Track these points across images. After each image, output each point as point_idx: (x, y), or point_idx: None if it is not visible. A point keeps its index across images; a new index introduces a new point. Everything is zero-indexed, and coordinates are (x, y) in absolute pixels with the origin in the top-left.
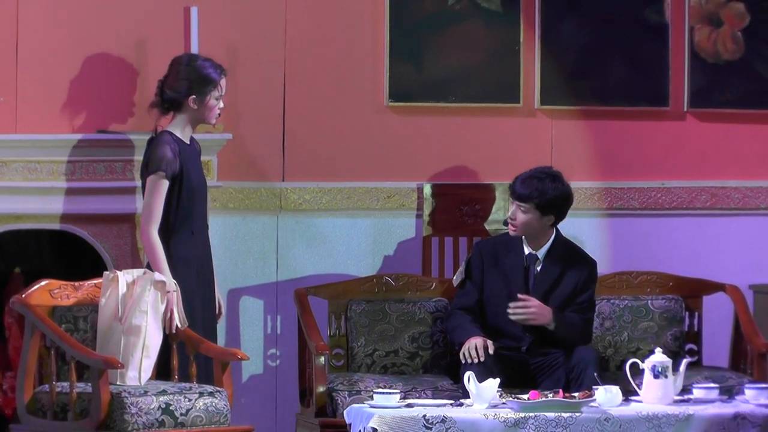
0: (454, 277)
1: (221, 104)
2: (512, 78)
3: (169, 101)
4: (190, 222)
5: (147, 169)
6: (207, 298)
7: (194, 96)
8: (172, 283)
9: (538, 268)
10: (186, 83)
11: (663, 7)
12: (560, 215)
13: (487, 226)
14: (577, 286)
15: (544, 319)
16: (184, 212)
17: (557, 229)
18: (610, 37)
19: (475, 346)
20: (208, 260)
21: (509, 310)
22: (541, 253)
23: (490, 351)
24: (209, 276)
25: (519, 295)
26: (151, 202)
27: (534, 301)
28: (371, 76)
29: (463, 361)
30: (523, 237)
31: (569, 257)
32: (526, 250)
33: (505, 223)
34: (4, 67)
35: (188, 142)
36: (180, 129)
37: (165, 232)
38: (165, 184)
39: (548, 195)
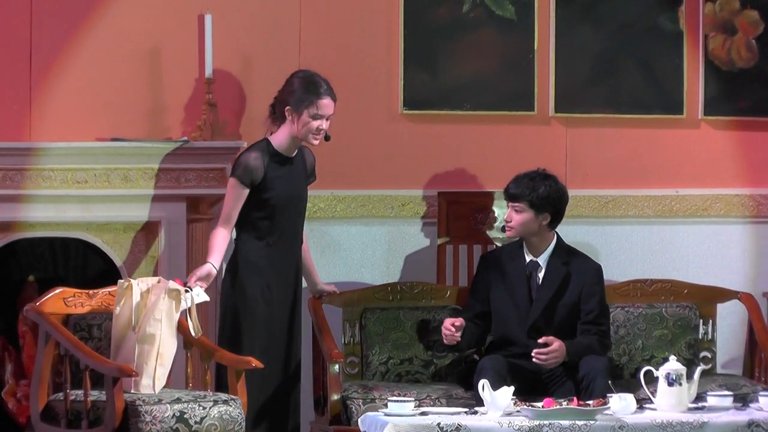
0: None
1: (323, 125)
2: (527, 86)
3: (275, 111)
4: (267, 233)
5: (231, 171)
6: (279, 309)
7: (289, 107)
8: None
9: (541, 275)
10: (286, 93)
11: (677, 15)
12: (556, 214)
13: (489, 234)
14: (583, 291)
15: (562, 357)
16: (260, 222)
17: (558, 236)
18: (624, 45)
19: (447, 327)
20: (287, 272)
21: (534, 360)
22: (542, 259)
23: (457, 324)
24: (288, 288)
25: (540, 341)
26: (225, 203)
27: (554, 345)
28: (386, 84)
29: (446, 342)
30: (524, 245)
31: (572, 263)
32: (527, 258)
33: (503, 229)
34: (18, 74)
35: (289, 155)
36: (281, 140)
37: (239, 235)
38: (240, 189)
39: (540, 192)
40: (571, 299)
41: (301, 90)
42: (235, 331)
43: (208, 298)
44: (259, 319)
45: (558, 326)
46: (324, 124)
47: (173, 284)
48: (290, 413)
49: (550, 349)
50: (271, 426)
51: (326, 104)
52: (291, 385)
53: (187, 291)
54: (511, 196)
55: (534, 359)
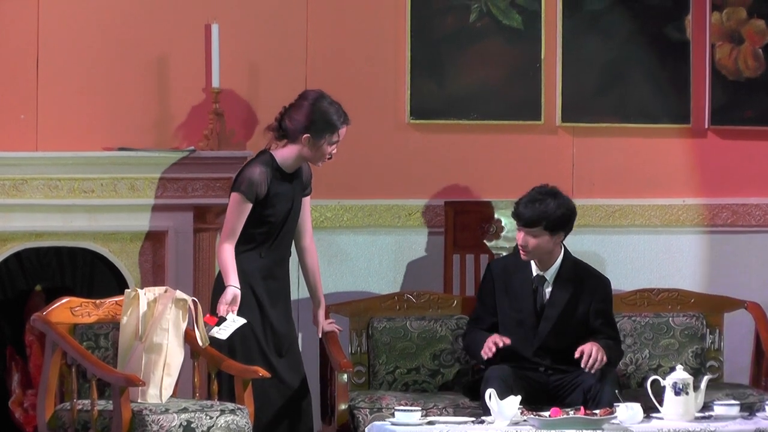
0: None
1: (334, 150)
2: (534, 95)
3: (285, 130)
4: (261, 244)
5: (233, 184)
6: (273, 318)
7: (308, 135)
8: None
9: (548, 290)
10: (306, 121)
11: (684, 25)
12: (569, 230)
13: (495, 243)
14: (591, 307)
15: (605, 351)
16: (258, 236)
17: (565, 249)
18: (631, 55)
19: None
20: (278, 281)
21: (592, 372)
22: (549, 274)
23: (507, 342)
24: (279, 295)
25: (576, 355)
26: (229, 218)
27: (587, 347)
28: (392, 93)
29: (485, 357)
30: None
31: (580, 278)
32: (534, 272)
33: (515, 250)
34: (24, 84)
35: (290, 172)
36: (286, 158)
37: (236, 247)
38: (244, 204)
39: (554, 215)
40: (579, 317)
41: (323, 122)
42: (229, 343)
43: (244, 320)
44: (254, 329)
45: (566, 346)
46: (335, 149)
47: (180, 294)
48: (296, 425)
49: (590, 350)
50: None
51: (343, 132)
52: (300, 395)
53: (220, 321)
54: (526, 222)
55: (592, 371)
